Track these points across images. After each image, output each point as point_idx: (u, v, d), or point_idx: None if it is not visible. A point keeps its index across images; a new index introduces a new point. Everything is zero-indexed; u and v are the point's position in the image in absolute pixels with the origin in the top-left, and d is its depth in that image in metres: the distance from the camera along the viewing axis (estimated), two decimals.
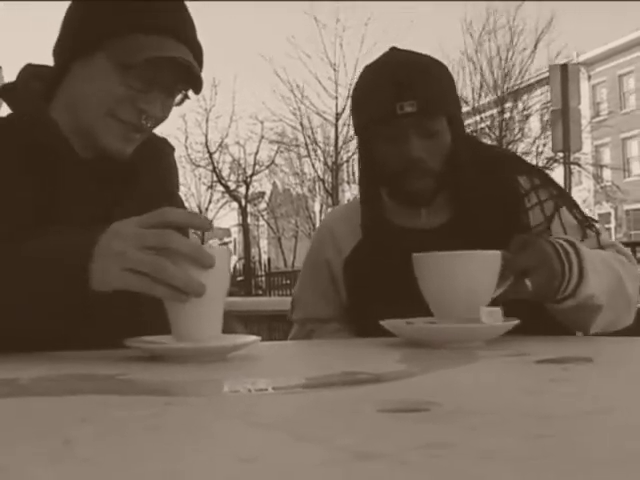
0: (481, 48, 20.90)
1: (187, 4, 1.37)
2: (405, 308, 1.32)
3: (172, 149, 1.55)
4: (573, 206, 1.60)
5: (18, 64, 1.41)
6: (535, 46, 20.93)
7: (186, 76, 1.32)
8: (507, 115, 20.56)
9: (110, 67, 1.28)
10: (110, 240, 1.01)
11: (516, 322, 1.22)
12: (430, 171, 1.56)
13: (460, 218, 1.60)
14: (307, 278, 1.80)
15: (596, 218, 1.67)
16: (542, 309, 1.51)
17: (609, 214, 28.77)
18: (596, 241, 1.55)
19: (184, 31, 1.33)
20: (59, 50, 1.36)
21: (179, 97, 1.37)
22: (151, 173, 1.44)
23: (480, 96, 20.59)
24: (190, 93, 1.36)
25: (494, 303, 1.25)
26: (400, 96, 1.52)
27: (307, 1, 31.10)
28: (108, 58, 1.29)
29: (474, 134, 18.97)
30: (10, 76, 1.20)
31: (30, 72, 1.40)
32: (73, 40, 1.33)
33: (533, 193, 1.61)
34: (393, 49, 1.64)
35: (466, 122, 20.30)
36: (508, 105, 20.52)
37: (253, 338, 1.13)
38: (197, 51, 1.35)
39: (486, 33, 20.88)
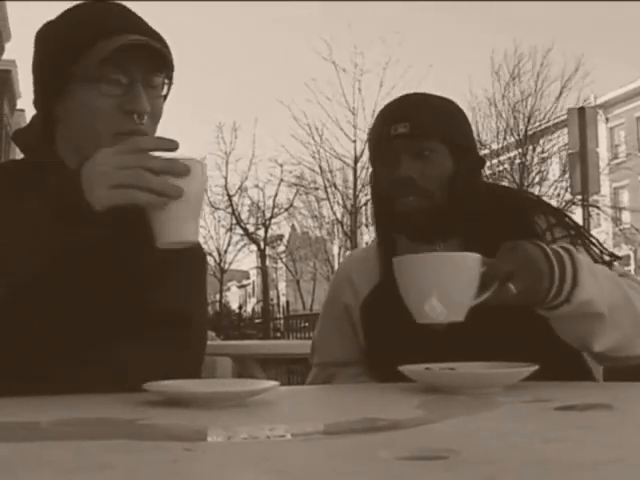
0: (507, 93, 21.01)
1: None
2: (422, 352, 1.31)
3: None
4: (590, 244, 1.58)
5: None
6: (560, 93, 21.03)
7: (155, 63, 1.35)
8: (527, 158, 20.56)
9: (85, 89, 1.32)
10: (91, 167, 1.13)
11: (535, 368, 1.22)
12: (422, 191, 1.54)
13: None
14: (326, 323, 1.80)
15: (615, 254, 1.63)
16: (561, 354, 1.50)
17: (628, 256, 28.53)
18: None
19: (136, 25, 1.37)
20: (40, 100, 1.41)
21: (164, 88, 1.39)
22: None
23: (502, 139, 20.64)
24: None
25: (481, 309, 1.26)
26: (394, 119, 1.57)
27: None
28: (80, 83, 1.32)
29: (493, 177, 18.98)
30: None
31: (38, 117, 1.44)
32: (43, 87, 1.38)
33: (548, 232, 1.60)
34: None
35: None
36: (530, 147, 20.54)
37: (272, 383, 1.13)
38: (157, 38, 1.37)
39: (511, 78, 21.01)
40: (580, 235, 1.60)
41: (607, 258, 1.56)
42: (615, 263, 1.57)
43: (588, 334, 1.37)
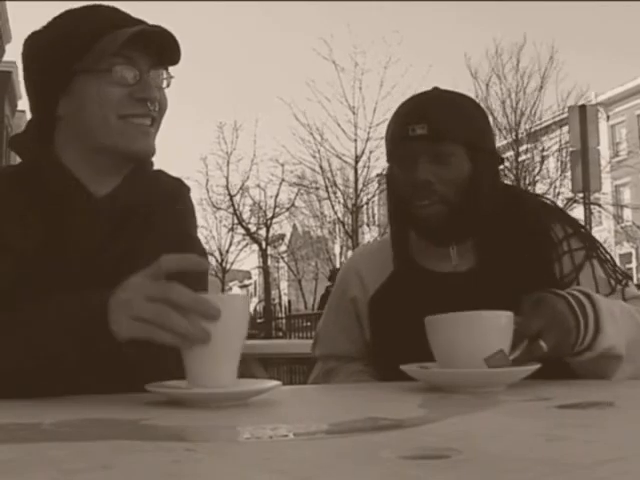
0: (490, 91, 21.01)
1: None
2: (428, 349, 1.32)
3: (188, 189, 1.55)
4: (604, 260, 1.58)
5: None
6: (541, 87, 21.02)
7: (161, 53, 1.35)
8: (524, 157, 20.56)
9: (94, 80, 1.32)
10: (119, 291, 1.07)
11: (537, 366, 1.22)
12: (440, 196, 1.53)
13: (488, 263, 1.58)
14: (332, 315, 1.80)
15: (627, 274, 1.62)
16: None
17: (630, 254, 28.50)
18: (621, 295, 1.53)
19: (136, 20, 1.37)
20: (36, 103, 1.40)
21: (165, 81, 1.40)
22: (166, 214, 1.44)
23: (496, 138, 20.60)
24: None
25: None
26: (412, 119, 1.55)
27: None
28: (87, 75, 1.32)
29: None
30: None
31: (35, 121, 1.44)
32: (45, 86, 1.37)
33: (565, 241, 1.59)
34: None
35: None
36: (525, 147, 20.54)
37: (274, 383, 1.13)
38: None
39: (495, 76, 21.02)
40: (595, 248, 1.60)
41: (619, 277, 1.56)
42: (629, 283, 1.57)
43: (605, 373, 1.39)
